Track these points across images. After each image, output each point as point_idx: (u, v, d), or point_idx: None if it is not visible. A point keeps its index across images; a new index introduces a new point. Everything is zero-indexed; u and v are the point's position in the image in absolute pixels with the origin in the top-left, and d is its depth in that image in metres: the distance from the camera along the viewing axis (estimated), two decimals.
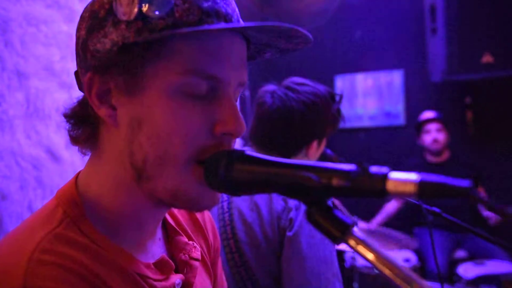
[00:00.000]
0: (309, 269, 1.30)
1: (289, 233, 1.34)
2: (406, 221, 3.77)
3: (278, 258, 1.36)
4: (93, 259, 0.67)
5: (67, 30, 1.89)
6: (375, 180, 0.51)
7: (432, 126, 3.79)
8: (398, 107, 4.38)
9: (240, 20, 0.74)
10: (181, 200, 0.71)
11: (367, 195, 0.52)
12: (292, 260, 1.33)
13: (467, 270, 3.39)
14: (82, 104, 0.74)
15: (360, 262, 3.11)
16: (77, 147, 0.78)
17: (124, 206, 0.74)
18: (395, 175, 0.51)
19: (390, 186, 0.50)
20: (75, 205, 0.72)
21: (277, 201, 1.39)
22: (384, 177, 0.51)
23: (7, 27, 1.66)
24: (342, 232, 0.54)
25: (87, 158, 0.78)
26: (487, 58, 3.44)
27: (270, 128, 1.53)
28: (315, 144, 1.57)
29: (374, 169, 0.52)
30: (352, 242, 0.54)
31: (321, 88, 1.56)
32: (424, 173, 0.50)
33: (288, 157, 1.51)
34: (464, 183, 0.47)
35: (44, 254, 0.64)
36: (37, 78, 1.75)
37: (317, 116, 1.52)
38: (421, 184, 0.48)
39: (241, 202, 1.43)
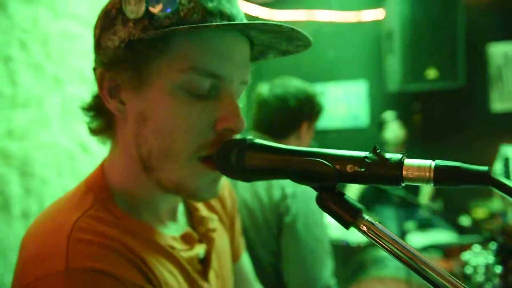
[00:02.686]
0: (305, 248, 1.21)
1: (286, 218, 1.23)
2: (369, 200, 3.69)
3: (277, 239, 1.26)
4: (125, 235, 0.57)
5: None
6: (390, 166, 0.39)
7: (393, 124, 3.71)
8: (363, 111, 4.29)
9: (245, 21, 0.61)
10: (183, 191, 0.61)
11: (382, 182, 0.41)
12: (290, 242, 1.23)
13: (415, 239, 3.33)
14: (97, 98, 0.63)
15: None
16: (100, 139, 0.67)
17: (140, 191, 0.63)
18: (410, 160, 0.39)
19: (406, 172, 0.38)
20: (104, 190, 0.61)
21: (276, 190, 1.28)
22: (400, 163, 0.39)
23: (47, 41, 1.56)
24: (353, 217, 0.43)
25: None
26: (432, 73, 3.42)
27: (269, 110, 1.42)
28: (305, 126, 1.46)
29: (389, 155, 0.40)
30: (364, 227, 0.42)
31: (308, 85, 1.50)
32: (440, 159, 0.38)
33: (284, 137, 1.42)
34: (482, 167, 0.36)
35: (81, 233, 0.53)
36: (72, 84, 1.66)
37: (307, 100, 1.44)
38: (437, 169, 0.37)
39: (243, 191, 1.32)
